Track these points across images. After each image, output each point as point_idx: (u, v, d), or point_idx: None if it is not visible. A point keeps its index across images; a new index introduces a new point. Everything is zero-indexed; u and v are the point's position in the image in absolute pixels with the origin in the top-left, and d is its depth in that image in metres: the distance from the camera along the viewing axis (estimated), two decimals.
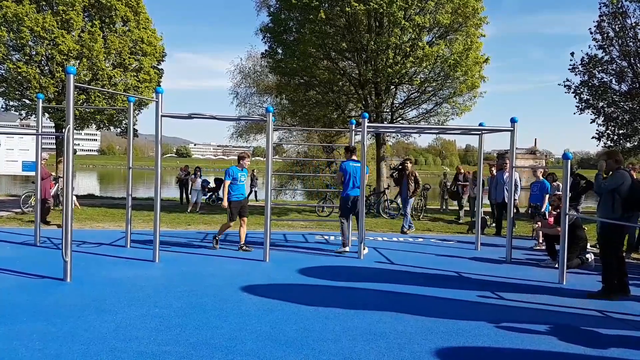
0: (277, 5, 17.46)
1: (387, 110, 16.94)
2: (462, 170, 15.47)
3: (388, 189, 16.70)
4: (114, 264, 7.40)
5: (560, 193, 8.81)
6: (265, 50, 18.03)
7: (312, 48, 15.26)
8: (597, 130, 17.14)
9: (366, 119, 8.57)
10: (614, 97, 16.48)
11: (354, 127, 10.16)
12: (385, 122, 16.30)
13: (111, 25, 15.96)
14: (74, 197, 11.99)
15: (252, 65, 30.81)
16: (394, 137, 20.53)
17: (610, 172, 6.31)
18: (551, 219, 11.14)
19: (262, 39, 18.25)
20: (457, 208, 15.42)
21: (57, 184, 13.46)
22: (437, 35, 15.87)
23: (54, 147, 16.94)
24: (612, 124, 16.79)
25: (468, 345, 4.49)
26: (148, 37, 16.37)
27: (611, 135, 16.89)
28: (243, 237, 8.93)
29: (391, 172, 14.60)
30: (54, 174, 13.73)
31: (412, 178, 12.32)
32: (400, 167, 13.17)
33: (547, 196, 10.11)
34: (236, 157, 9.28)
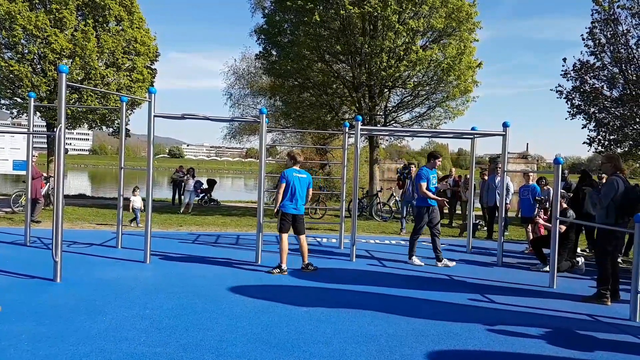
0: (272, 7, 17.46)
1: (381, 113, 16.98)
2: (454, 174, 15.29)
3: (381, 192, 16.74)
4: (105, 265, 7.35)
5: (563, 191, 8.92)
6: (260, 52, 18.02)
7: (306, 50, 15.28)
8: (588, 135, 17.27)
9: (359, 122, 8.60)
10: (605, 103, 16.60)
11: (347, 130, 10.19)
12: (379, 125, 16.34)
13: (104, 25, 15.87)
14: (140, 200, 11.80)
15: (246, 67, 30.81)
16: (387, 140, 20.58)
17: (605, 177, 6.39)
18: (541, 221, 11.22)
19: (256, 40, 18.25)
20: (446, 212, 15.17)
21: (48, 184, 13.36)
22: (430, 39, 15.95)
23: (46, 146, 16.81)
24: (603, 129, 16.91)
25: (459, 348, 4.50)
26: (142, 36, 16.30)
27: (602, 141, 17.01)
28: None
29: (398, 175, 14.70)
30: (45, 173, 13.62)
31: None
32: (405, 170, 13.33)
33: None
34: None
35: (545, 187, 11.21)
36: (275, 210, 7.36)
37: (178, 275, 6.90)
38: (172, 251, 8.68)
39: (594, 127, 17.04)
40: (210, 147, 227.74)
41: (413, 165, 13.36)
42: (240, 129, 31.88)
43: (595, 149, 17.36)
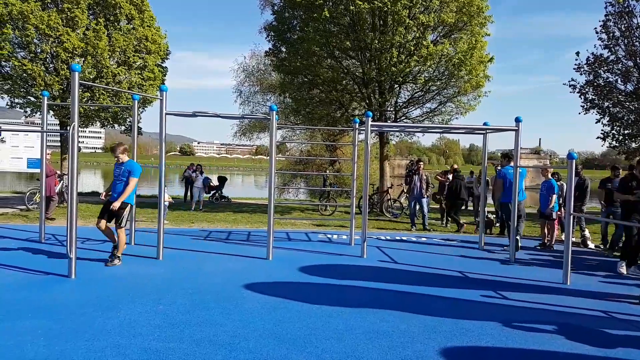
0: (281, 4, 17.43)
1: (391, 109, 16.90)
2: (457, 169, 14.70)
3: (392, 188, 16.68)
4: None
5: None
6: (269, 49, 18.01)
7: (315, 47, 15.24)
8: (602, 130, 17.06)
9: (370, 118, 8.57)
10: (620, 97, 16.38)
11: (357, 126, 10.16)
12: (389, 121, 16.26)
13: (116, 23, 15.98)
14: (167, 197, 11.95)
15: (256, 64, 30.89)
16: (397, 136, 20.48)
17: None
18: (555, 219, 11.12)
19: (266, 37, 18.24)
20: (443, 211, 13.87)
21: (62, 181, 13.51)
22: (441, 34, 15.82)
23: (59, 144, 16.99)
24: (617, 124, 16.69)
25: (472, 344, 4.48)
26: (152, 35, 16.38)
27: (616, 136, 16.80)
28: None
29: (407, 171, 14.56)
30: (58, 171, 13.77)
31: (424, 179, 12.55)
32: (415, 167, 13.24)
33: (555, 196, 10.07)
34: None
35: (558, 183, 11.10)
36: (120, 204, 7.06)
37: (190, 271, 6.94)
38: (184, 248, 8.73)
39: (608, 121, 16.82)
40: (221, 144, 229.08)
41: (422, 162, 13.25)
42: (250, 126, 31.98)
43: (609, 143, 17.14)
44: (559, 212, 10.66)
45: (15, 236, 9.27)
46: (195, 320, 4.80)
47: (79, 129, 6.42)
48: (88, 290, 5.75)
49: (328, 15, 14.30)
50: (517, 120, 8.52)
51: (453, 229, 12.74)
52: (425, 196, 12.62)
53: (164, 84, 16.73)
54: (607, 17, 16.02)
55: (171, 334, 4.43)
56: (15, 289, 5.68)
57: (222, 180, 19.23)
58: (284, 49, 17.28)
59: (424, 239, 11.01)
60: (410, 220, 12.95)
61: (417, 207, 12.73)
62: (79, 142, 6.46)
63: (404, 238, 11.01)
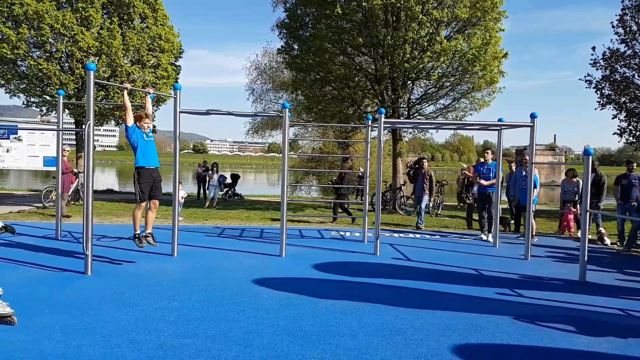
0: (294, 1, 17.43)
1: (404, 106, 16.81)
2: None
3: (404, 185, 16.61)
4: (134, 258, 7.49)
5: None
6: (281, 46, 18.02)
7: (328, 44, 15.21)
8: (618, 126, 16.82)
9: (382, 115, 8.53)
10: (637, 92, 16.11)
11: (370, 123, 10.13)
12: (402, 118, 16.19)
13: (129, 22, 16.11)
14: (184, 193, 12.44)
15: (268, 62, 30.92)
16: (410, 133, 20.36)
17: None
18: (571, 216, 11.03)
19: (278, 35, 18.26)
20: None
21: (78, 179, 13.67)
22: (455, 30, 15.69)
23: (74, 143, 17.19)
24: (634, 119, 16.43)
25: (486, 342, 4.45)
26: (166, 33, 16.49)
27: (633, 132, 16.55)
28: None
29: (407, 169, 14.50)
30: (75, 169, 13.94)
31: (427, 177, 12.46)
32: (416, 165, 13.17)
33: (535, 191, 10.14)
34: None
35: (574, 180, 10.99)
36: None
37: (205, 268, 6.99)
38: (198, 244, 8.79)
39: (624, 117, 16.57)
40: (233, 142, 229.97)
41: (425, 160, 13.21)
42: (262, 124, 32.06)
43: (626, 139, 16.89)
44: (574, 210, 10.56)
45: (32, 233, 9.40)
46: (210, 317, 4.83)
47: (94, 127, 6.49)
48: (104, 286, 5.81)
49: (340, 12, 14.27)
50: (533, 116, 8.42)
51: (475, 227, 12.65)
52: (426, 194, 12.48)
53: (177, 82, 16.84)
54: (624, 11, 15.76)
55: (186, 330, 4.46)
56: (32, 286, 5.77)
57: (235, 177, 19.32)
58: (296, 46, 17.28)
59: (437, 236, 10.96)
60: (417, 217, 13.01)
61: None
62: (94, 140, 6.53)
63: (417, 235, 10.97)
